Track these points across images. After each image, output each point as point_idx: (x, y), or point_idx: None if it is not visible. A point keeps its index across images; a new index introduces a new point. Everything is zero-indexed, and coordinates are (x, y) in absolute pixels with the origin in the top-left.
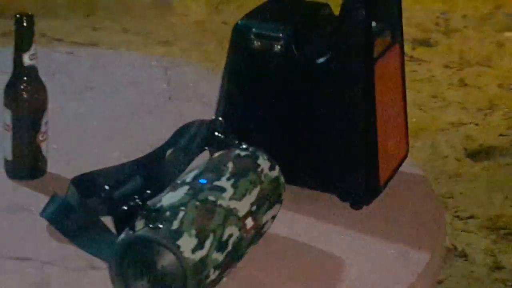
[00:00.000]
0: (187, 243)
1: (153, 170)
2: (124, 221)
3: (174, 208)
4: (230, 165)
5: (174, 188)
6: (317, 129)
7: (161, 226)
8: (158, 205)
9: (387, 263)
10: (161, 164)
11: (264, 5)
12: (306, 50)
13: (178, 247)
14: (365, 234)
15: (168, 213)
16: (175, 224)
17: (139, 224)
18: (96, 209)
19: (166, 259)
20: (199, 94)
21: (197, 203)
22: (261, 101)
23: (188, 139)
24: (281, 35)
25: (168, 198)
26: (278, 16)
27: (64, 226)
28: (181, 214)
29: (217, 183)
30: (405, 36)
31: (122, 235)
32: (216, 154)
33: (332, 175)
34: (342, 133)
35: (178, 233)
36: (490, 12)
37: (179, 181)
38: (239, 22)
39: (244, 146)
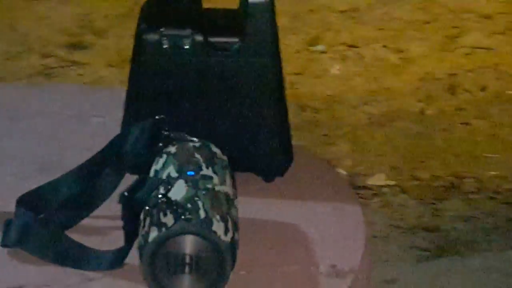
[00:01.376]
0: (219, 228)
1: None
2: None
3: (190, 200)
4: (197, 155)
5: (169, 184)
6: (233, 115)
7: (192, 217)
8: (173, 199)
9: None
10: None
11: (148, 7)
12: (215, 43)
13: (215, 233)
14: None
15: (189, 205)
16: (202, 214)
17: (169, 219)
18: (55, 223)
19: (203, 248)
20: None
21: (203, 192)
22: (176, 98)
23: (132, 142)
24: (190, 31)
25: (175, 193)
26: (173, 16)
27: (36, 248)
28: (199, 203)
29: (202, 172)
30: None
31: (154, 234)
32: (171, 149)
33: (250, 155)
34: (258, 113)
35: (209, 221)
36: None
37: (164, 177)
38: (142, 26)
39: (192, 138)
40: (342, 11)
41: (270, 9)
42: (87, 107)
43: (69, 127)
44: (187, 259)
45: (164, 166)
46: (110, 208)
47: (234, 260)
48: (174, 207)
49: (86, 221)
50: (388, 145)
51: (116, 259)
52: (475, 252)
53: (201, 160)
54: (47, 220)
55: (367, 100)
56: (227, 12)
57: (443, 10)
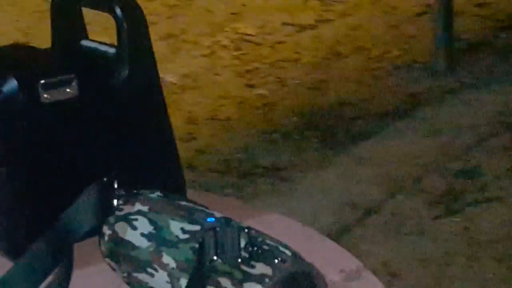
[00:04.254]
0: None
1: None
2: None
3: (255, 242)
4: (184, 203)
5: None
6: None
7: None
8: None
9: None
10: None
11: None
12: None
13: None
14: None
15: (265, 247)
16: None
17: (261, 268)
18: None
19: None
20: None
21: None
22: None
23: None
24: (73, 76)
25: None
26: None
27: None
28: (267, 241)
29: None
30: None
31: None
32: (142, 208)
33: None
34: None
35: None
36: None
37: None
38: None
39: (159, 192)
40: None
41: None
42: None
43: None
44: None
45: (160, 226)
46: None
47: None
48: (260, 254)
49: None
50: None
51: None
52: None
53: (193, 206)
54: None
55: None
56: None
57: None
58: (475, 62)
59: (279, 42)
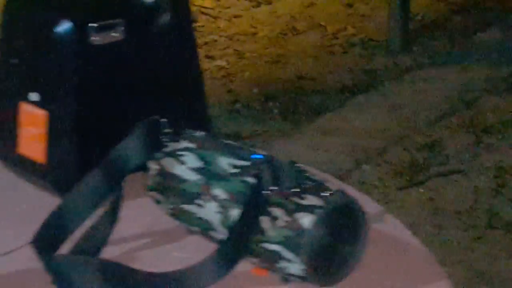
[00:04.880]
0: None
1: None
2: None
3: (300, 177)
4: (228, 141)
5: (272, 167)
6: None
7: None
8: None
9: None
10: None
11: None
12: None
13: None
14: None
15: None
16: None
17: (311, 200)
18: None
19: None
20: None
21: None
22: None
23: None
24: (121, 21)
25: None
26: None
27: None
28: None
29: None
30: None
31: (308, 217)
32: (190, 145)
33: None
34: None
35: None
36: None
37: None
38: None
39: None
40: None
41: None
42: None
43: None
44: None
45: (209, 161)
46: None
47: None
48: (311, 187)
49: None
50: None
51: (220, 268)
52: None
53: (233, 144)
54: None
55: None
56: None
57: None
58: (430, 42)
59: (236, 16)
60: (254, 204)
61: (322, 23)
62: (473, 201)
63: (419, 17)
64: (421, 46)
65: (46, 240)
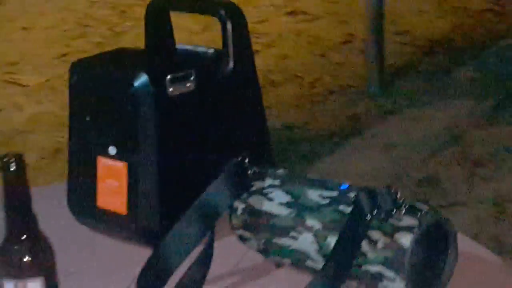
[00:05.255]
0: None
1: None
2: None
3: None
4: (309, 175)
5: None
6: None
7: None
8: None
9: None
10: None
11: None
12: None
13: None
14: None
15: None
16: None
17: (408, 221)
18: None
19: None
20: None
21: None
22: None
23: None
24: (192, 71)
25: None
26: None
27: None
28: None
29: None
30: None
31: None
32: (275, 182)
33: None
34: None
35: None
36: None
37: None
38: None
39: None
40: None
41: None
42: None
43: None
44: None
45: (297, 195)
46: None
47: None
48: (405, 209)
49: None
50: None
51: None
52: None
53: (314, 177)
54: None
55: None
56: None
57: None
58: (405, 84)
59: None
60: (354, 230)
61: (299, 74)
62: (477, 230)
63: (391, 62)
64: (398, 89)
65: (150, 281)
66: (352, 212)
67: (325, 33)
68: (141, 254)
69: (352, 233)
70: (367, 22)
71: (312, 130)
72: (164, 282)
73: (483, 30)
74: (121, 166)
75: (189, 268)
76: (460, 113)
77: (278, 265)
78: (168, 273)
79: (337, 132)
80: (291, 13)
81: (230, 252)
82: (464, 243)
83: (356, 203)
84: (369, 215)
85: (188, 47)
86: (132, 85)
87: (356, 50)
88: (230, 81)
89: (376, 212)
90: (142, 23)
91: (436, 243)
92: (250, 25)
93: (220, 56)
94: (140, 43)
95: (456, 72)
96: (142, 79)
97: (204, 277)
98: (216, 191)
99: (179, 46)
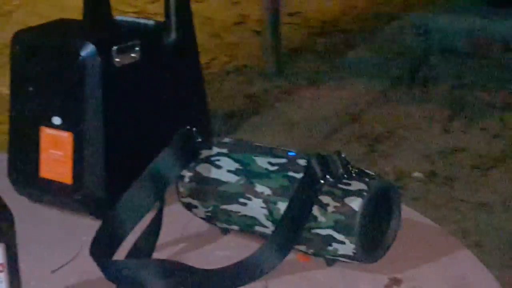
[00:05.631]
0: None
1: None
2: None
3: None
4: (255, 143)
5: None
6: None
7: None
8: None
9: None
10: None
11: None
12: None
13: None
14: None
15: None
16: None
17: (357, 185)
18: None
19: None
20: None
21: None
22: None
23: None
24: (137, 42)
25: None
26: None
27: None
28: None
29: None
30: None
31: (357, 201)
32: (222, 150)
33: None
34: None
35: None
36: None
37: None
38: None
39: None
40: None
41: None
42: None
43: None
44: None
45: (246, 163)
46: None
47: None
48: (354, 175)
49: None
50: None
51: (275, 257)
52: None
53: (261, 145)
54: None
55: None
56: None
57: None
58: (302, 65)
59: None
60: (306, 195)
61: None
62: None
63: (285, 43)
64: (295, 69)
65: (102, 249)
66: (304, 177)
67: (217, 14)
68: (84, 223)
69: (304, 197)
70: (263, 2)
71: (211, 110)
72: (114, 250)
73: (374, 11)
74: (66, 136)
75: (140, 236)
76: (357, 93)
77: (225, 232)
78: (119, 241)
79: (236, 111)
80: None
81: (177, 220)
82: (405, 211)
83: (308, 168)
84: (321, 180)
85: (128, 18)
86: (79, 54)
87: (249, 31)
88: (173, 52)
89: (328, 177)
90: (31, 1)
91: (382, 207)
92: (139, 6)
93: (161, 27)
94: (31, 23)
95: (350, 53)
96: (89, 49)
97: (154, 244)
98: (165, 160)
99: (118, 17)
